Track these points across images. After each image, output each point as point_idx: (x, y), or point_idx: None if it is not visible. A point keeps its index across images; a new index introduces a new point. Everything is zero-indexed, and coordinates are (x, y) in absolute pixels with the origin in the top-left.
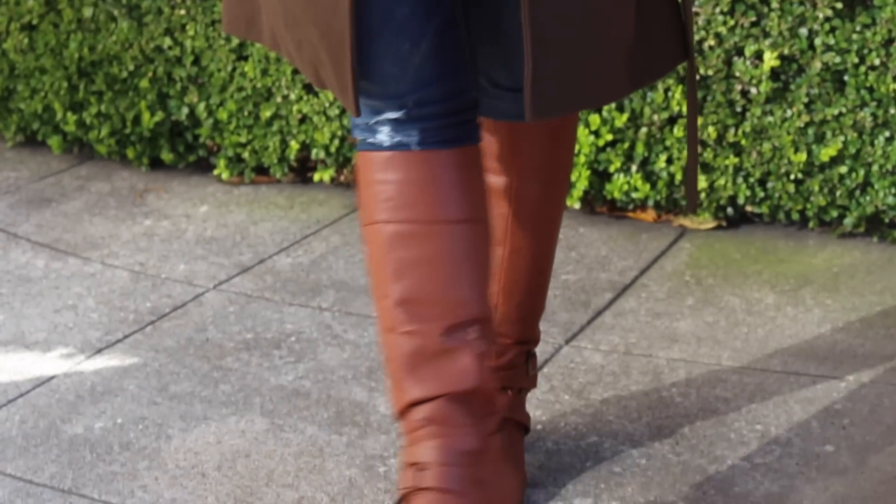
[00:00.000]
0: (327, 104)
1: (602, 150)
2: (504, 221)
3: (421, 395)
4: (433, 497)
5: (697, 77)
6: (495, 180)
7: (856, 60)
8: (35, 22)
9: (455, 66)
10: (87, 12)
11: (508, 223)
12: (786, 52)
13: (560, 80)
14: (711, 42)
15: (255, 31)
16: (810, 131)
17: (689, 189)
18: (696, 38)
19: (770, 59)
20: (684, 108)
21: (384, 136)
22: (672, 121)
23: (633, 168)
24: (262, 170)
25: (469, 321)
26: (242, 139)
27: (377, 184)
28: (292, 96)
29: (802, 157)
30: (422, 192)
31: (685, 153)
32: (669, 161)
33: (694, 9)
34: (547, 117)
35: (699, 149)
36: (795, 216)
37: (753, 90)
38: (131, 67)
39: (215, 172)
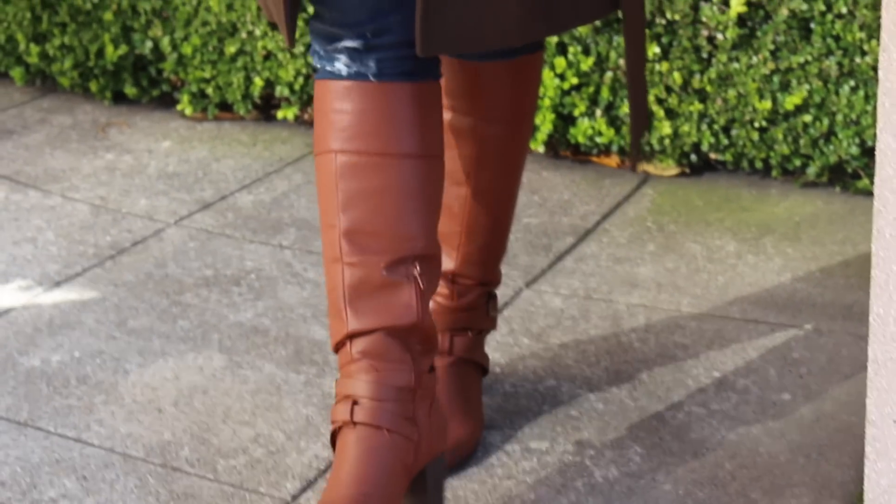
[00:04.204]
0: None
1: (567, 93)
2: (467, 162)
3: (359, 328)
4: (364, 432)
5: (663, 22)
6: (459, 120)
7: (823, 8)
8: None
9: None
10: None
11: (472, 164)
12: None
13: (455, 15)
14: None
15: None
16: (776, 79)
17: (633, 146)
18: None
19: (737, 5)
20: (650, 53)
21: (342, 64)
22: None
23: (598, 112)
24: (225, 106)
25: (414, 256)
26: (206, 75)
27: (333, 113)
28: (257, 32)
29: (767, 104)
30: (377, 124)
31: (650, 98)
32: None
33: None
34: (439, 53)
35: (665, 95)
36: (759, 164)
37: (720, 36)
38: None
39: (178, 108)
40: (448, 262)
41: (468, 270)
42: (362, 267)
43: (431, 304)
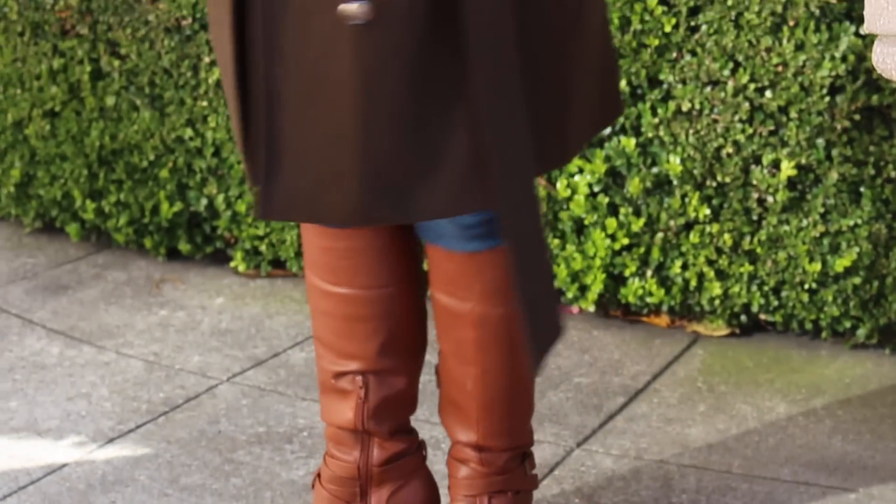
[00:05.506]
0: None
1: (618, 253)
2: (469, 345)
3: (322, 417)
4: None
5: (714, 184)
6: (457, 305)
7: (872, 172)
8: (57, 109)
9: None
10: (110, 101)
11: (474, 347)
12: (803, 161)
13: (291, 185)
14: (729, 150)
15: None
16: (825, 241)
17: (534, 360)
18: (714, 145)
19: (787, 169)
20: (701, 215)
21: None
22: (688, 227)
23: (648, 273)
24: (278, 263)
25: (356, 372)
26: (260, 232)
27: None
28: None
29: (817, 266)
30: (314, 260)
31: (700, 259)
32: (684, 267)
33: (714, 116)
34: (276, 219)
35: (716, 256)
36: (808, 326)
37: (770, 199)
38: (152, 157)
39: (232, 264)
40: (470, 435)
41: (492, 441)
42: (321, 371)
43: (466, 471)
